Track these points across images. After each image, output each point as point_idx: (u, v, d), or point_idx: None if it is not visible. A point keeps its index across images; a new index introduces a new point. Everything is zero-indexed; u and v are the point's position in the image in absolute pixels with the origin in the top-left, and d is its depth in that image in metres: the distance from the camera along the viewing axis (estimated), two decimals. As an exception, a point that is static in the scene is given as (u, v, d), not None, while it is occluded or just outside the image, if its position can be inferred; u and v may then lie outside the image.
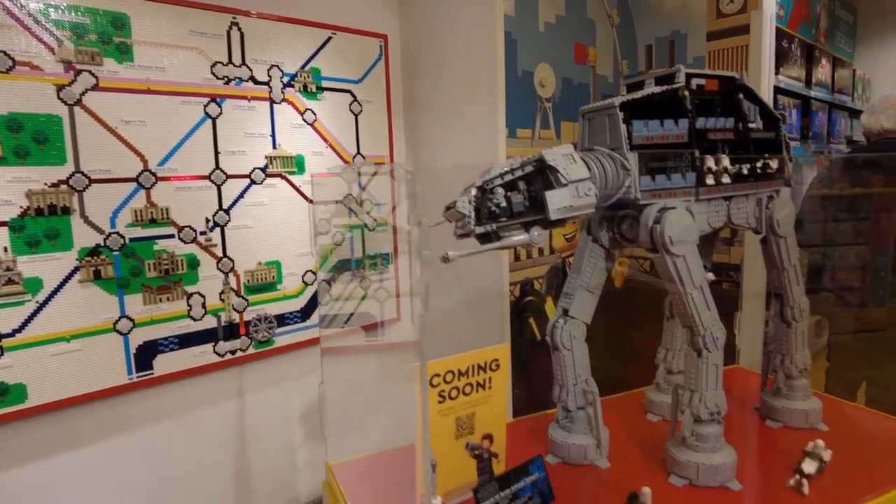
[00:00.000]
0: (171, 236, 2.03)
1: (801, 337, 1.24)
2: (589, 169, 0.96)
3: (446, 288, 2.64)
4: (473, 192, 0.91)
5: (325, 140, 2.44)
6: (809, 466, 1.04)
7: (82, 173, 1.80)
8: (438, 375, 0.96)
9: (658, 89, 1.03)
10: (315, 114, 2.39)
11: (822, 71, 3.72)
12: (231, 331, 2.22)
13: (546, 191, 0.91)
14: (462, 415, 1.00)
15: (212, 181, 2.11)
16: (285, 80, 2.28)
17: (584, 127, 1.08)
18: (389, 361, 2.49)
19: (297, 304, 2.41)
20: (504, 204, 0.91)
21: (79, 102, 1.78)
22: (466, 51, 2.35)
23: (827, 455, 1.06)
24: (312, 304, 2.45)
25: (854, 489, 1.03)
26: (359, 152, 2.55)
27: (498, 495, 0.92)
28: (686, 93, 1.04)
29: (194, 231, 2.08)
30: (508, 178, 0.92)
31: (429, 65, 2.58)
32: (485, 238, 0.96)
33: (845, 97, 4.16)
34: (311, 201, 2.37)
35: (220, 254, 2.16)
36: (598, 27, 2.78)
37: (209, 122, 2.09)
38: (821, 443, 1.07)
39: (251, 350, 2.28)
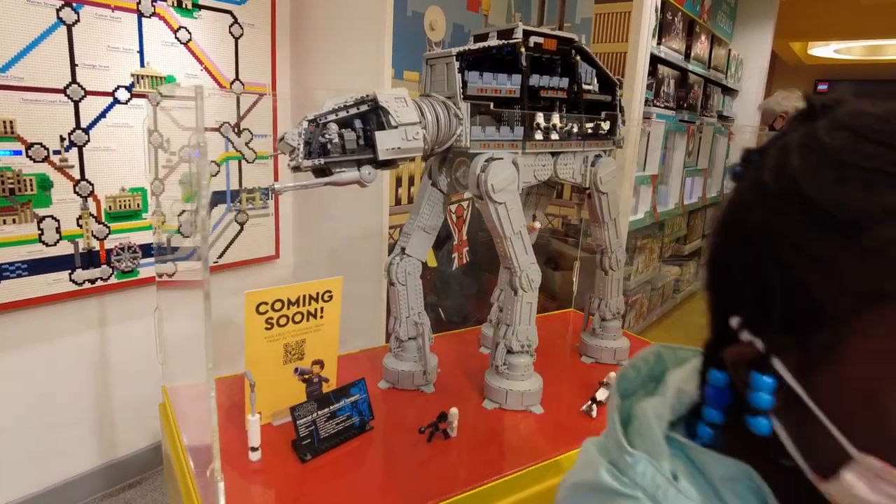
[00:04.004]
0: (18, 153, 1.86)
1: (616, 284, 1.40)
2: (422, 114, 1.01)
3: (327, 227, 2.65)
4: (304, 124, 0.93)
5: (200, 62, 2.30)
6: (602, 395, 1.20)
7: None
8: (266, 304, 1.00)
9: (495, 43, 1.09)
10: (190, 33, 2.24)
11: (701, 46, 3.98)
12: (90, 259, 2.11)
13: (377, 131, 0.94)
14: (291, 341, 1.05)
15: (67, 96, 1.95)
16: (155, -9, 2.11)
17: (426, 73, 1.11)
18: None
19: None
20: (336, 140, 0.94)
21: None
22: (355, -17, 2.29)
23: (618, 384, 1.23)
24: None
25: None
26: (237, 78, 2.43)
27: (316, 413, 0.99)
28: (522, 49, 1.10)
29: (46, 149, 1.92)
30: (342, 114, 0.95)
31: (319, -6, 2.48)
32: (319, 173, 0.99)
33: (720, 74, 4.49)
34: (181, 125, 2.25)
35: (77, 176, 2.02)
36: (493, -24, 2.79)
37: (63, 28, 1.91)
38: (613, 375, 1.24)
39: (113, 280, 2.18)
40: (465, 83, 1.05)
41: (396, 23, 2.28)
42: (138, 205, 2.21)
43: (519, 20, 3.00)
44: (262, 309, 1.00)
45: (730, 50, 4.58)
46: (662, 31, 3.38)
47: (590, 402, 1.19)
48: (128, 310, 2.27)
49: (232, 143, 2.44)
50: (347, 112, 0.95)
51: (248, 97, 2.52)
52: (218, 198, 2.45)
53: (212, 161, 2.39)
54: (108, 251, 2.15)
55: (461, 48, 1.05)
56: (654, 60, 3.39)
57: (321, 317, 1.07)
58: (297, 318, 1.04)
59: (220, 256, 2.52)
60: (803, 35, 5.98)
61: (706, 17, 4.11)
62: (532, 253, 1.15)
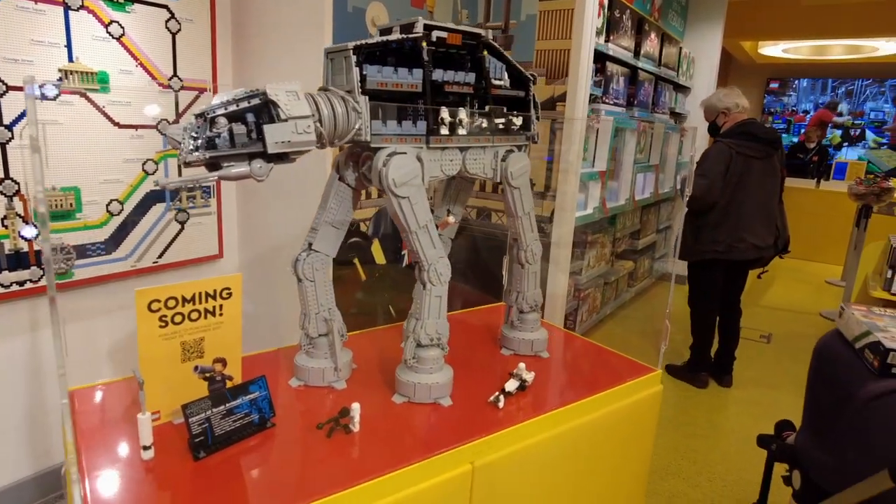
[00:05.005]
0: (-66, 150, 1.80)
1: (533, 277, 1.42)
2: (318, 108, 1.00)
3: (271, 225, 2.62)
4: (192, 119, 0.92)
5: (135, 58, 2.25)
6: (511, 385, 1.22)
7: None
8: (158, 301, 0.98)
9: (394, 37, 1.09)
10: (123, 27, 2.19)
11: (651, 44, 4.05)
12: (18, 260, 2.05)
13: (266, 125, 0.94)
14: (188, 339, 1.04)
15: (-13, 91, 1.89)
16: (83, -16, 2.06)
17: (326, 67, 1.11)
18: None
19: (101, 235, 2.27)
20: (225, 134, 0.93)
21: None
22: (293, -22, 2.26)
23: (529, 376, 1.25)
24: (118, 234, 2.32)
25: (539, 405, 1.22)
26: (175, 74, 2.39)
27: (210, 411, 0.98)
28: (423, 44, 1.11)
29: (-35, 147, 1.86)
30: (232, 108, 0.94)
31: (259, -11, 2.45)
32: (212, 168, 0.97)
33: (671, 72, 4.57)
34: (116, 122, 2.20)
35: (0, 175, 1.96)
36: (436, -28, 2.79)
37: (-19, 21, 1.85)
38: (522, 366, 1.25)
39: (44, 281, 2.12)
40: (364, 77, 1.05)
41: (337, 19, 2.27)
42: (71, 204, 2.15)
43: (465, 17, 3.01)
44: (154, 307, 0.98)
45: (681, 48, 4.67)
46: (610, 28, 3.42)
47: (497, 394, 1.20)
48: (63, 312, 2.21)
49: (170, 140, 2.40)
50: (238, 106, 0.94)
51: (188, 94, 2.47)
52: (156, 196, 2.41)
53: (149, 159, 2.34)
54: (38, 252, 2.09)
55: (359, 42, 1.04)
56: (603, 58, 3.44)
57: (220, 314, 1.06)
58: (194, 315, 1.03)
59: (159, 256, 2.47)
60: (750, 34, 6.16)
61: (657, 15, 4.18)
62: (441, 247, 1.16)
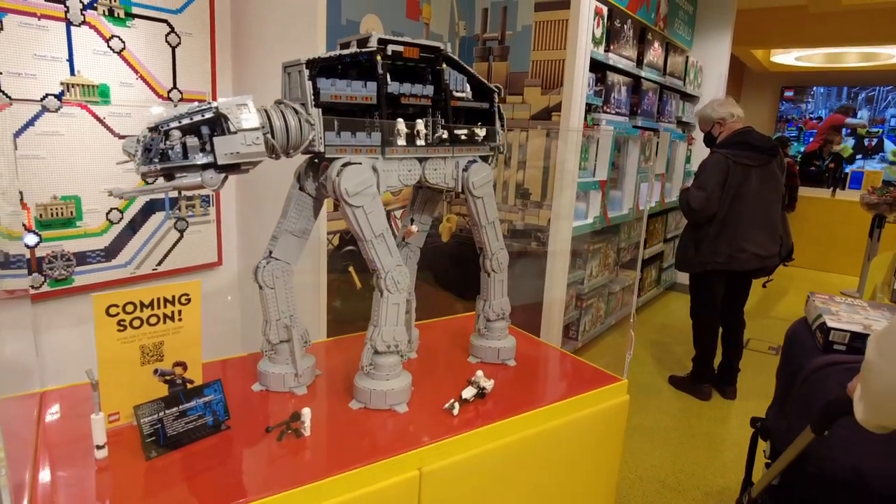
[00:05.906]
0: (-60, 160, 1.88)
1: (499, 286, 1.43)
2: (270, 120, 1.04)
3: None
4: (146, 131, 0.96)
5: (135, 71, 2.33)
6: (468, 393, 1.23)
7: None
8: (116, 306, 1.02)
9: (347, 51, 1.12)
10: (123, 42, 2.27)
11: (655, 53, 4.03)
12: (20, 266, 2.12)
13: (216, 137, 0.97)
14: (147, 343, 1.07)
15: (-7, 104, 1.97)
16: (86, 0, 2.14)
17: (284, 80, 1.15)
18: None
19: (101, 243, 2.34)
20: (178, 146, 0.97)
21: None
22: (289, -10, 2.32)
23: (488, 384, 1.26)
24: (118, 243, 2.39)
25: (495, 413, 1.22)
26: (175, 87, 2.46)
27: (163, 412, 1.01)
28: (378, 57, 1.13)
29: (-30, 157, 1.94)
30: (186, 121, 0.98)
31: (258, 3, 2.51)
32: (170, 178, 1.01)
33: (678, 81, 4.53)
34: (116, 133, 2.28)
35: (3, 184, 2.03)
36: (433, -17, 2.83)
37: (-14, 37, 1.93)
38: (480, 373, 1.26)
39: (45, 288, 2.20)
40: (317, 90, 1.08)
41: (330, 32, 2.31)
42: (71, 212, 2.23)
43: (462, 29, 3.04)
44: (112, 311, 1.02)
45: (687, 57, 4.63)
46: (611, 38, 3.42)
47: (452, 401, 1.21)
48: (62, 318, 2.28)
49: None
50: (191, 119, 0.98)
51: (187, 105, 2.55)
52: (156, 205, 2.47)
53: (149, 168, 2.42)
54: (40, 259, 2.17)
55: (311, 56, 1.08)
56: (603, 67, 3.44)
57: (179, 319, 1.10)
58: (153, 320, 1.07)
59: (159, 264, 2.54)
60: (760, 43, 6.11)
61: (662, 24, 4.16)
62: (398, 255, 1.18)
